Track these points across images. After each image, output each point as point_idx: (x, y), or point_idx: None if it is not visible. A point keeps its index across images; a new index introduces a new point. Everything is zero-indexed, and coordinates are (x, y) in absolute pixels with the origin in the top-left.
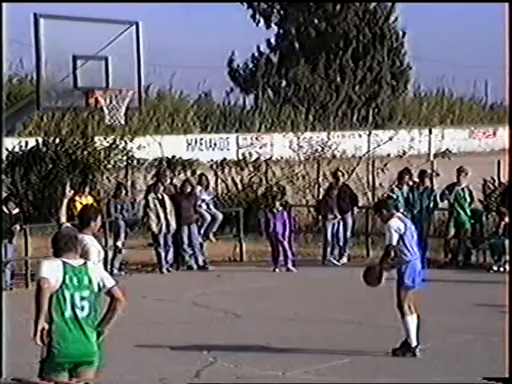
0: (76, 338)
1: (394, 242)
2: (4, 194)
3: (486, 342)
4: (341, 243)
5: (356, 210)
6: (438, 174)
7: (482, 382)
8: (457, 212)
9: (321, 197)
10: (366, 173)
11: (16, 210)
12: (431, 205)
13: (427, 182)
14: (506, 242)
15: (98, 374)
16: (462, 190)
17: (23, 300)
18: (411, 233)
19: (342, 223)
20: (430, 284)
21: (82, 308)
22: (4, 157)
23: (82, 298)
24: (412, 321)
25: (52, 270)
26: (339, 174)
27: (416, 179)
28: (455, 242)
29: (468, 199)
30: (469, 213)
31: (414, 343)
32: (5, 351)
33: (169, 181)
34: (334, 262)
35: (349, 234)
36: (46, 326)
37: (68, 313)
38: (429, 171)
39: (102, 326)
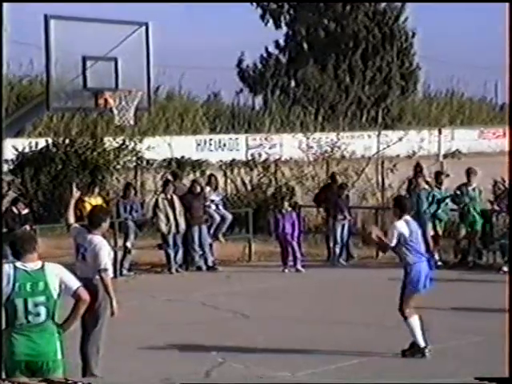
0: (26, 344)
1: (393, 244)
2: (14, 195)
3: (496, 343)
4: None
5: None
6: (447, 175)
7: (483, 382)
8: (469, 212)
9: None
10: (376, 173)
11: (26, 211)
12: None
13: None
14: None
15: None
16: (473, 190)
17: None
18: (416, 236)
19: (346, 225)
20: (439, 284)
21: (38, 314)
22: (14, 157)
23: (36, 305)
24: (415, 322)
25: None
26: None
27: (428, 179)
28: (465, 242)
29: (478, 200)
30: (480, 213)
31: (421, 344)
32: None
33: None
34: (343, 263)
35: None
36: None
37: (20, 319)
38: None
39: (64, 326)
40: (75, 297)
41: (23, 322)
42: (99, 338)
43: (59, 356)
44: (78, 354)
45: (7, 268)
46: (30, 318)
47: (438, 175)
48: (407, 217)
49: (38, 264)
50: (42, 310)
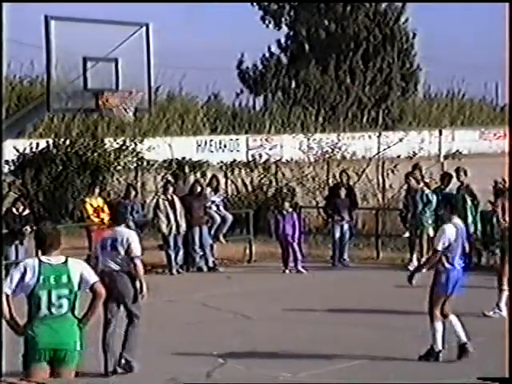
0: (49, 335)
1: (439, 248)
2: (14, 196)
3: (497, 343)
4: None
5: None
6: (451, 176)
7: (483, 382)
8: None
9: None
10: (376, 174)
11: (26, 211)
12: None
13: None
14: None
15: (73, 370)
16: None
17: None
18: (460, 241)
19: (346, 226)
20: None
21: (60, 306)
22: (15, 158)
23: (59, 297)
24: (439, 327)
25: (16, 280)
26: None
27: (427, 179)
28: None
29: (469, 201)
30: (471, 214)
31: (439, 347)
32: (5, 351)
33: (183, 182)
34: (345, 263)
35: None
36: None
37: (43, 311)
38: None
39: (83, 321)
40: (92, 291)
41: (46, 313)
42: (137, 324)
43: (78, 348)
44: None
45: (32, 262)
46: (53, 309)
47: (445, 177)
48: (456, 219)
49: (62, 258)
50: (65, 302)
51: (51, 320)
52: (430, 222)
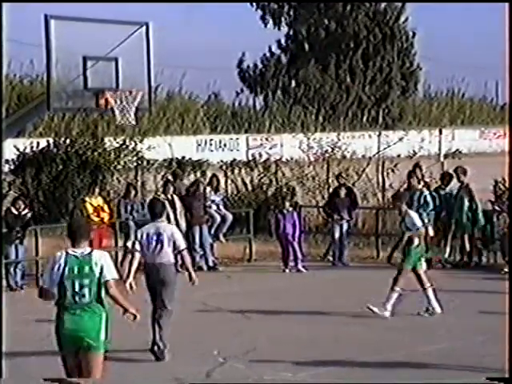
0: (74, 321)
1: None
2: (14, 195)
3: (497, 343)
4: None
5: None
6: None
7: (484, 382)
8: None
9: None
10: (376, 173)
11: (26, 211)
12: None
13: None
14: None
15: (100, 359)
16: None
17: (32, 301)
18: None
19: (345, 225)
20: (440, 285)
21: (83, 295)
22: (15, 157)
23: (82, 286)
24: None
25: (47, 272)
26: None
27: (427, 179)
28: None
29: (466, 201)
30: (466, 214)
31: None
32: (5, 351)
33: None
34: (345, 263)
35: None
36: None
37: (68, 299)
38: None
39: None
40: (106, 285)
41: (71, 301)
42: (172, 313)
43: (102, 336)
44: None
45: (60, 254)
46: (77, 298)
47: (445, 176)
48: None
49: (87, 250)
50: (87, 292)
51: (75, 308)
52: (425, 222)
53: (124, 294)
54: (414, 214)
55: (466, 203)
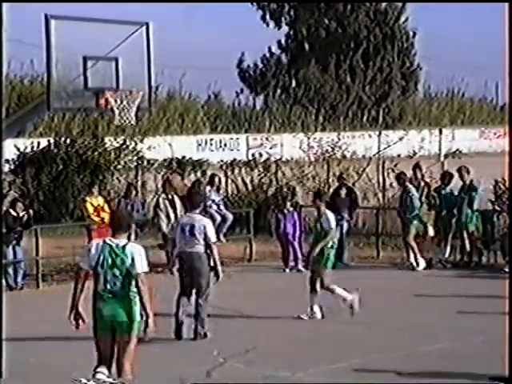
0: (108, 308)
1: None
2: (15, 195)
3: (497, 343)
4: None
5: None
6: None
7: (484, 382)
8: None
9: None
10: (377, 173)
11: (24, 213)
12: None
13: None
14: None
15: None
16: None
17: (32, 300)
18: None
19: (345, 225)
20: (440, 284)
21: (114, 284)
22: (15, 157)
23: (115, 276)
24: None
25: (85, 257)
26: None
27: (427, 179)
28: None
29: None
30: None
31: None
32: (5, 351)
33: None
34: (346, 262)
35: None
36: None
37: (102, 286)
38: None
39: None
40: (135, 277)
41: (104, 289)
42: (208, 300)
43: (137, 318)
44: None
45: (97, 242)
46: (109, 286)
47: (445, 176)
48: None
49: (123, 242)
50: (119, 281)
51: (109, 296)
52: (414, 222)
53: (151, 291)
54: (330, 215)
55: (466, 203)
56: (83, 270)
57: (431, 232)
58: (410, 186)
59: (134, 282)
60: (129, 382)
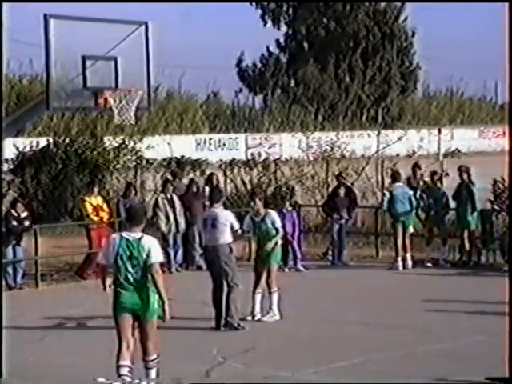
0: (128, 296)
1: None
2: (14, 194)
3: (497, 343)
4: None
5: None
6: (447, 174)
7: (484, 382)
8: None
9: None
10: (376, 173)
11: (25, 214)
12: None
13: (438, 183)
14: None
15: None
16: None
17: (31, 300)
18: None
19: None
20: (440, 284)
21: (133, 274)
22: (14, 157)
23: (133, 266)
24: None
25: (104, 252)
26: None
27: (427, 179)
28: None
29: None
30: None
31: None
32: (5, 351)
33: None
34: (345, 262)
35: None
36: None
37: (122, 276)
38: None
39: (161, 296)
40: (150, 267)
41: (123, 279)
42: (238, 289)
43: (155, 305)
44: None
45: (114, 236)
46: (129, 276)
47: (433, 175)
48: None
49: (139, 235)
50: (137, 271)
51: (128, 285)
52: (400, 219)
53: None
54: (274, 215)
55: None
56: (103, 265)
57: (410, 230)
58: (397, 184)
59: (150, 272)
60: (155, 361)
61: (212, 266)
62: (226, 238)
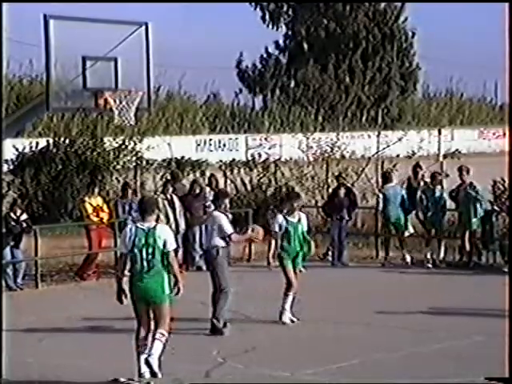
0: (144, 283)
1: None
2: (13, 195)
3: (497, 343)
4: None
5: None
6: (447, 175)
7: (484, 382)
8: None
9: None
10: (376, 173)
11: (24, 216)
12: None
13: (438, 184)
14: None
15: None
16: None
17: (31, 301)
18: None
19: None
20: (439, 284)
21: (149, 261)
22: (14, 157)
23: (148, 254)
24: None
25: (122, 241)
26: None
27: (427, 179)
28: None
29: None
30: (474, 213)
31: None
32: (4, 352)
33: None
34: (345, 262)
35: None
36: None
37: (138, 265)
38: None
39: (176, 280)
40: (167, 254)
41: (140, 267)
42: (227, 295)
43: (167, 291)
44: None
45: (130, 226)
46: (145, 263)
47: (435, 176)
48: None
49: (153, 224)
50: (152, 259)
51: (144, 273)
52: (392, 220)
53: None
54: (305, 219)
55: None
56: (124, 254)
57: (411, 230)
58: (389, 185)
59: (165, 261)
60: (164, 337)
61: (208, 269)
62: (214, 241)
